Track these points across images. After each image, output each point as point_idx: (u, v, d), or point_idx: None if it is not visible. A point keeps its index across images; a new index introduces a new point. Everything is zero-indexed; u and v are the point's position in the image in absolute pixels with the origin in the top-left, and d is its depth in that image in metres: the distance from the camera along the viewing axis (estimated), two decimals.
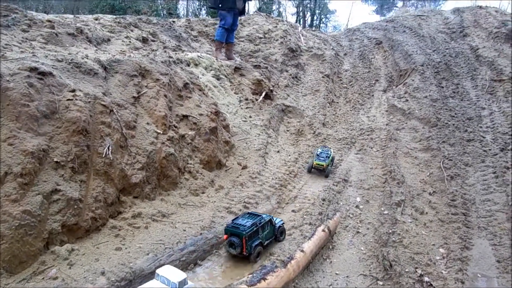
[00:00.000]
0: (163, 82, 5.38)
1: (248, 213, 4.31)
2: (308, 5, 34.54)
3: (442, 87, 8.65)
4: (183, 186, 5.01)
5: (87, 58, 4.92)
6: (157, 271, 3.17)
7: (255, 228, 3.94)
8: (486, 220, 4.91)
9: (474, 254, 4.40)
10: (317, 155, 6.37)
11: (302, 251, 3.93)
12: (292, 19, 31.99)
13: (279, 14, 30.87)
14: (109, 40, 7.70)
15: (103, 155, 4.10)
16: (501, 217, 4.89)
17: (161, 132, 4.90)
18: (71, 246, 3.57)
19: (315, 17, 35.41)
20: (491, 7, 13.43)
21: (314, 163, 6.25)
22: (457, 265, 4.20)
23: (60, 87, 4.11)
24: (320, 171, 6.29)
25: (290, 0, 33.75)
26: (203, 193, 5.14)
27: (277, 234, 4.33)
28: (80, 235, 3.78)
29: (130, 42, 7.88)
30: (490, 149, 6.33)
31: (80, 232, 3.77)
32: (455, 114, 7.52)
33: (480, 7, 13.37)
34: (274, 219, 4.36)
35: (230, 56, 9.38)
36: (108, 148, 4.15)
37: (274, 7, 30.78)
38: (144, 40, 8.27)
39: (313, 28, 22.08)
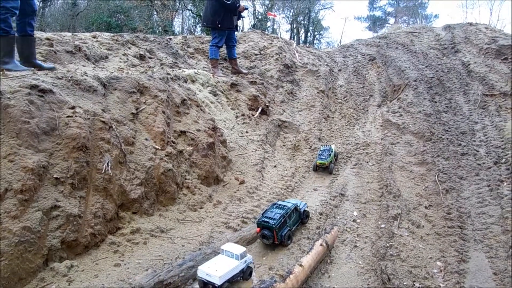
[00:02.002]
0: (161, 99, 5.45)
1: (275, 204, 4.81)
2: (302, 22, 35.13)
3: (435, 102, 8.79)
4: (181, 202, 5.03)
5: (86, 76, 4.99)
6: (222, 247, 3.88)
7: (282, 220, 4.49)
8: (482, 233, 4.96)
9: (471, 266, 4.43)
10: (319, 155, 6.97)
11: (300, 265, 3.94)
12: (286, 36, 32.47)
13: (274, 31, 31.34)
14: (107, 57, 7.80)
15: (102, 171, 4.13)
16: (497, 230, 4.93)
17: (160, 148, 4.94)
18: (70, 263, 3.56)
19: (309, 34, 36.02)
20: (480, 24, 13.77)
21: (317, 163, 6.86)
22: (455, 278, 4.22)
23: (60, 104, 4.16)
24: (324, 169, 6.85)
25: (284, 17, 34.28)
26: (201, 208, 5.16)
27: (303, 217, 5.00)
28: (79, 251, 3.77)
29: (127, 59, 7.98)
30: (484, 163, 6.42)
31: (79, 248, 3.76)
32: (449, 128, 7.63)
33: (471, 24, 13.69)
34: (299, 203, 4.96)
35: (238, 70, 9.56)
36: (107, 164, 4.19)
37: (268, 24, 31.28)
38: (142, 57, 8.38)
39: (307, 45, 22.42)
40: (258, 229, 4.46)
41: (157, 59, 8.62)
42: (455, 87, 9.47)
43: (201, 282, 3.62)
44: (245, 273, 3.85)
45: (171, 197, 4.90)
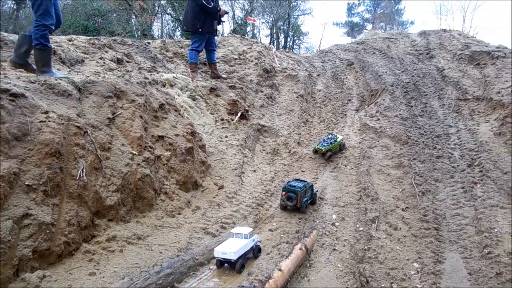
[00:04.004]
0: (139, 103, 5.37)
1: (296, 179, 5.80)
2: (282, 27, 35.34)
3: (411, 106, 8.97)
4: (159, 208, 4.96)
5: (61, 79, 4.87)
6: (231, 231, 4.45)
7: (304, 189, 5.35)
8: (457, 234, 5.07)
9: (446, 267, 4.52)
10: (321, 141, 7.51)
11: (280, 270, 3.93)
12: (266, 41, 32.63)
13: (254, 36, 31.43)
14: (83, 61, 7.65)
15: (77, 178, 4.03)
16: (471, 231, 5.06)
17: (137, 153, 4.86)
18: (42, 273, 3.45)
19: (288, 39, 36.25)
20: (454, 30, 14.16)
21: (316, 147, 7.41)
22: (431, 279, 4.31)
23: (32, 108, 4.05)
24: (323, 154, 7.32)
25: (264, 22, 34.44)
26: (179, 214, 5.09)
27: (314, 197, 5.75)
28: (52, 261, 3.66)
29: (104, 63, 7.85)
30: (458, 165, 6.58)
31: (52, 257, 3.65)
32: (424, 132, 7.79)
33: (445, 30, 14.06)
34: (312, 185, 5.73)
35: (218, 75, 9.51)
36: (82, 170, 4.09)
37: (248, 29, 31.35)
38: (119, 61, 8.25)
39: (287, 50, 22.56)
40: (284, 192, 5.33)
41: (135, 63, 8.51)
42: (430, 91, 9.69)
43: (218, 261, 4.14)
44: (255, 251, 4.44)
45: (148, 203, 4.82)
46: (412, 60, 11.93)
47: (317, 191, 5.88)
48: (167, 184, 5.24)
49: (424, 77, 10.50)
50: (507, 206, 5.31)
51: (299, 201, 5.24)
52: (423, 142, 7.40)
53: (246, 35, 27.58)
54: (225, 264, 4.14)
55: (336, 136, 7.70)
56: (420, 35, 14.11)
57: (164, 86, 6.75)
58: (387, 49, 13.09)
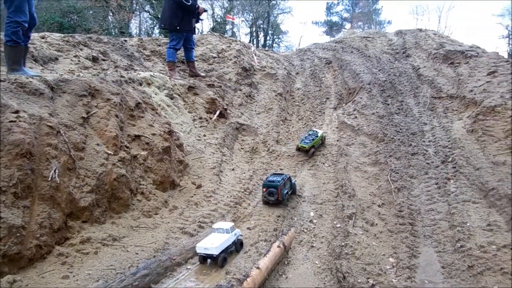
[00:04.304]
0: (114, 102, 5.28)
1: (274, 174, 6.03)
2: (262, 26, 35.38)
3: (388, 104, 9.11)
4: (135, 208, 4.89)
5: (32, 78, 4.74)
6: (213, 226, 4.53)
7: (283, 182, 5.51)
8: (431, 229, 5.18)
9: (421, 261, 4.61)
10: (303, 138, 7.61)
11: (258, 268, 3.95)
12: (245, 39, 32.59)
13: (233, 34, 31.36)
14: (56, 59, 7.48)
15: (49, 179, 3.93)
16: (444, 225, 5.17)
17: (112, 153, 4.78)
18: (12, 277, 3.35)
19: (268, 37, 36.33)
20: (429, 30, 14.45)
21: (299, 145, 7.45)
22: (406, 273, 4.37)
23: (2, 108, 3.93)
24: (305, 152, 7.42)
25: (244, 21, 34.38)
26: (156, 214, 5.03)
27: (294, 187, 5.97)
28: (23, 265, 3.56)
29: (79, 61, 7.69)
30: (432, 162, 6.72)
31: (23, 261, 3.55)
32: (400, 129, 7.93)
33: (420, 30, 14.32)
34: (291, 177, 5.93)
35: (196, 73, 9.44)
36: (55, 171, 3.99)
37: (228, 27, 31.24)
38: (94, 59, 8.09)
39: (266, 48, 22.59)
40: (264, 189, 5.49)
41: (111, 61, 8.36)
42: (406, 90, 9.86)
43: (200, 257, 4.21)
44: (237, 244, 4.55)
45: (124, 204, 4.75)
46: (389, 59, 12.12)
47: (295, 181, 6.13)
48: (143, 184, 5.17)
49: (400, 75, 10.68)
50: (479, 201, 5.45)
51: (279, 194, 5.41)
52: (399, 139, 7.52)
53: (226, 33, 27.50)
54: (208, 260, 4.20)
55: (316, 131, 7.83)
56: (396, 35, 14.34)
57: (140, 85, 6.65)
58: (365, 48, 13.26)
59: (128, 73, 7.52)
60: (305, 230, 5.25)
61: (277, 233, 4.99)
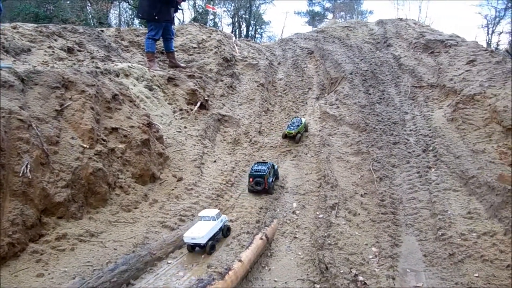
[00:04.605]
0: (89, 94, 5.10)
1: (258, 162, 6.09)
2: (244, 16, 35.02)
3: (370, 94, 9.12)
4: (113, 203, 4.76)
5: (1, 70, 4.53)
6: (199, 214, 4.51)
7: (268, 171, 5.66)
8: (413, 218, 5.21)
9: (403, 250, 4.63)
10: (289, 125, 7.71)
11: (240, 261, 3.89)
12: (228, 30, 32.25)
13: (215, 24, 30.96)
14: (29, 50, 7.18)
15: (21, 174, 3.77)
16: (426, 214, 5.20)
17: (88, 147, 4.62)
18: None
19: (250, 28, 36.01)
20: (410, 19, 14.52)
21: (286, 132, 7.54)
22: (388, 262, 4.38)
23: None
24: (291, 138, 7.53)
25: (225, 11, 33.97)
26: (135, 208, 4.91)
27: (277, 174, 6.14)
28: None
29: (53, 52, 7.41)
30: (413, 151, 6.76)
31: None
32: (382, 119, 7.95)
33: (401, 19, 14.39)
34: (273, 164, 6.08)
35: (176, 64, 9.26)
36: (26, 166, 3.83)
37: (209, 17, 30.80)
38: (70, 50, 7.82)
39: (248, 39, 22.40)
40: (251, 179, 5.61)
41: (87, 52, 8.10)
42: (388, 79, 9.89)
43: (189, 246, 4.24)
44: (224, 231, 4.61)
45: (102, 198, 4.62)
46: (370, 49, 12.14)
47: (278, 167, 6.31)
48: (122, 178, 5.04)
49: (381, 65, 10.71)
50: (459, 189, 5.51)
51: (266, 183, 5.57)
52: (380, 129, 7.55)
53: (208, 24, 27.13)
54: (196, 248, 4.25)
55: (300, 119, 7.97)
56: (377, 24, 14.37)
57: (118, 76, 6.46)
58: (346, 38, 13.24)
59: (105, 64, 7.31)
60: (288, 221, 5.21)
61: (260, 225, 4.94)
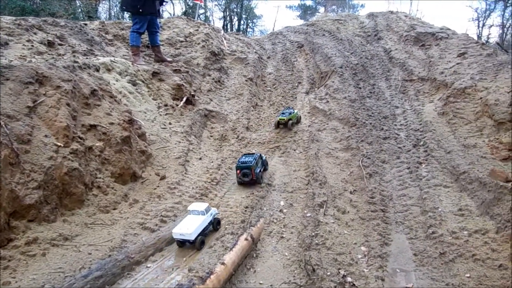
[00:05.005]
0: (65, 90, 4.85)
1: (245, 154, 6.19)
2: (235, 10, 34.67)
3: (360, 88, 8.95)
4: (90, 204, 4.53)
5: None
6: (188, 208, 4.45)
7: (255, 162, 5.72)
8: (403, 215, 5.05)
9: (393, 249, 4.47)
10: (281, 113, 7.80)
11: (223, 263, 3.71)
12: (219, 24, 31.91)
13: (206, 18, 30.60)
14: (7, 43, 6.90)
15: None
16: (416, 211, 5.05)
17: (62, 145, 4.38)
18: None
19: (242, 22, 35.68)
20: (400, 12, 14.36)
21: (278, 119, 7.62)
22: (378, 262, 4.23)
23: None
24: (284, 125, 7.62)
25: (217, 5, 33.60)
26: (114, 209, 4.69)
27: (265, 165, 6.21)
28: None
29: (32, 46, 7.12)
30: (404, 146, 6.60)
31: None
32: (372, 113, 7.79)
33: (392, 12, 14.23)
34: (262, 155, 6.16)
35: (162, 58, 9.02)
36: None
37: (201, 11, 30.40)
38: (50, 44, 7.53)
39: (239, 32, 22.08)
40: (238, 171, 5.65)
41: (69, 46, 7.81)
42: (378, 73, 9.73)
43: (178, 242, 4.19)
44: (214, 224, 4.56)
45: (78, 199, 4.39)
46: (361, 42, 11.97)
47: (266, 157, 6.43)
48: (100, 177, 4.81)
49: (372, 58, 10.54)
50: (450, 185, 5.36)
51: (253, 174, 5.63)
52: (370, 123, 7.38)
53: (198, 18, 26.76)
54: (186, 243, 4.21)
55: (292, 108, 8.13)
56: (368, 17, 14.21)
57: (98, 71, 6.20)
58: (337, 31, 13.06)
59: (87, 58, 7.05)
60: (275, 221, 5.03)
61: (245, 225, 4.76)
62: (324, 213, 5.07)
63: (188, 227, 4.12)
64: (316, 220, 4.84)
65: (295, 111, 7.92)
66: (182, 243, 4.21)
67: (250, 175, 5.61)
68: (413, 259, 4.28)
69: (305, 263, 4.07)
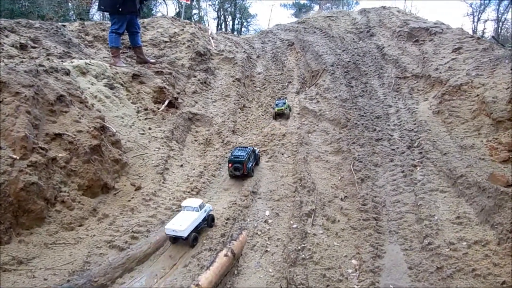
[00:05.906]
0: (26, 96, 4.44)
1: (238, 147, 6.16)
2: (229, 9, 34.26)
3: (352, 87, 8.57)
4: (52, 221, 4.12)
5: None
6: (182, 204, 4.41)
7: (248, 156, 5.72)
8: (397, 223, 4.67)
9: (386, 262, 4.10)
10: (276, 105, 8.06)
11: (197, 285, 3.32)
12: (213, 24, 31.51)
13: (200, 18, 30.18)
14: None
15: None
16: (411, 219, 4.68)
17: (19, 158, 3.98)
18: None
19: (236, 21, 35.28)
20: (393, 7, 13.99)
21: (276, 110, 7.93)
22: (369, 277, 3.87)
23: None
24: (282, 115, 7.97)
25: (211, 5, 33.20)
26: (80, 226, 4.28)
27: (258, 160, 6.19)
28: None
29: (2, 49, 6.72)
30: (398, 147, 6.23)
31: None
32: (364, 113, 7.40)
33: (384, 7, 13.86)
34: (254, 148, 6.15)
35: (145, 60, 8.62)
36: None
37: (194, 12, 30.01)
38: (23, 47, 7.12)
39: (233, 32, 21.70)
40: (230, 164, 5.67)
41: (43, 48, 7.40)
42: (371, 70, 9.35)
43: (171, 238, 4.15)
44: (208, 220, 4.51)
45: (37, 217, 3.98)
46: (353, 39, 11.60)
47: (259, 151, 6.44)
48: (65, 191, 4.40)
49: (364, 55, 10.17)
50: (447, 189, 4.98)
51: (245, 169, 5.65)
52: (362, 124, 6.99)
53: (193, 18, 26.38)
54: (179, 240, 4.16)
55: (285, 98, 8.53)
56: (360, 13, 13.85)
57: (67, 74, 5.77)
58: (328, 28, 12.68)
59: (62, 60, 6.65)
60: (259, 233, 4.65)
61: (225, 239, 4.36)
62: (312, 223, 4.69)
63: (181, 223, 4.05)
64: (303, 231, 4.46)
65: (286, 100, 8.28)
66: (175, 240, 4.17)
67: (242, 169, 5.63)
68: (408, 273, 3.90)
69: (288, 282, 3.69)
